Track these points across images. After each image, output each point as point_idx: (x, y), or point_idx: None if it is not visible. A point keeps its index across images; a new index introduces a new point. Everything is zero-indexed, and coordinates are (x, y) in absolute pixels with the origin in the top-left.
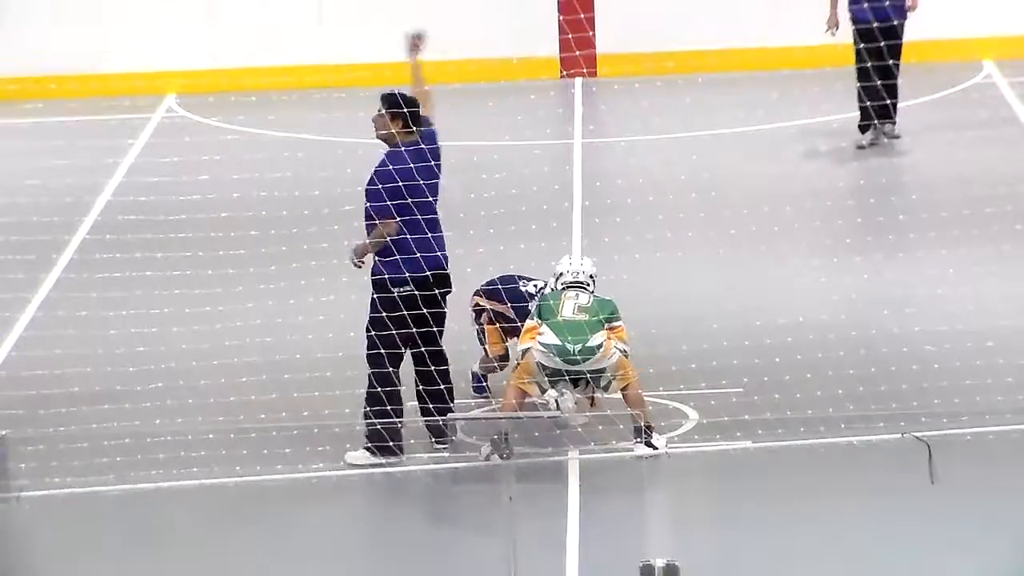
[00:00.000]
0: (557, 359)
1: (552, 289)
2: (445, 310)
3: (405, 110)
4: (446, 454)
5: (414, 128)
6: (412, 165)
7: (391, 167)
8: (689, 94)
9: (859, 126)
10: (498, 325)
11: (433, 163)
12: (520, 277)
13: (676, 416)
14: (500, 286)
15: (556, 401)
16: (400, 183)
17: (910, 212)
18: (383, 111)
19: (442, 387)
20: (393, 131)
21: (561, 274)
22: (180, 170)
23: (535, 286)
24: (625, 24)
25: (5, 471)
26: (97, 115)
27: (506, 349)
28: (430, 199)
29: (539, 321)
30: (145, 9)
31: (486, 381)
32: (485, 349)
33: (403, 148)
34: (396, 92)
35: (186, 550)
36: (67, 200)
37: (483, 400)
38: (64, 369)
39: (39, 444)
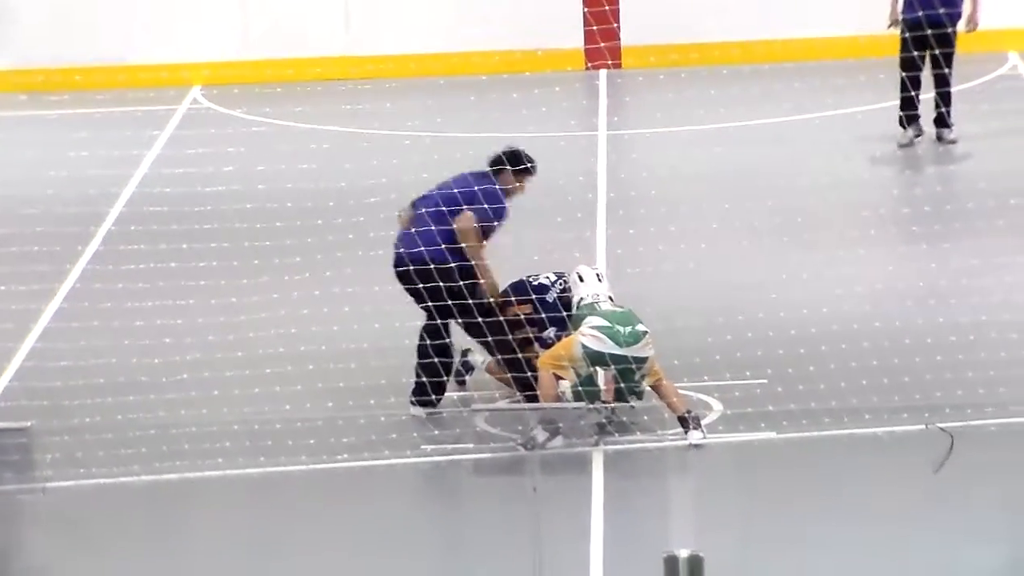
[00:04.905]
0: (608, 340)
1: (578, 306)
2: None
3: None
4: (471, 445)
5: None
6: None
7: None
8: (714, 86)
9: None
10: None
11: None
12: (526, 277)
13: (700, 407)
14: (509, 289)
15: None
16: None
17: (935, 203)
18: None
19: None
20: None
21: (582, 298)
22: (205, 162)
23: (547, 278)
24: (650, 16)
25: (31, 462)
26: (123, 106)
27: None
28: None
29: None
30: (171, 0)
31: (469, 374)
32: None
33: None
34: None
35: (210, 540)
36: (92, 191)
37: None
38: (89, 360)
39: (64, 435)
